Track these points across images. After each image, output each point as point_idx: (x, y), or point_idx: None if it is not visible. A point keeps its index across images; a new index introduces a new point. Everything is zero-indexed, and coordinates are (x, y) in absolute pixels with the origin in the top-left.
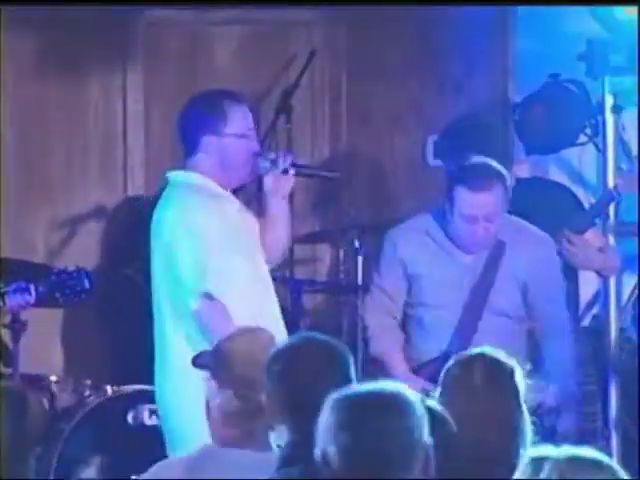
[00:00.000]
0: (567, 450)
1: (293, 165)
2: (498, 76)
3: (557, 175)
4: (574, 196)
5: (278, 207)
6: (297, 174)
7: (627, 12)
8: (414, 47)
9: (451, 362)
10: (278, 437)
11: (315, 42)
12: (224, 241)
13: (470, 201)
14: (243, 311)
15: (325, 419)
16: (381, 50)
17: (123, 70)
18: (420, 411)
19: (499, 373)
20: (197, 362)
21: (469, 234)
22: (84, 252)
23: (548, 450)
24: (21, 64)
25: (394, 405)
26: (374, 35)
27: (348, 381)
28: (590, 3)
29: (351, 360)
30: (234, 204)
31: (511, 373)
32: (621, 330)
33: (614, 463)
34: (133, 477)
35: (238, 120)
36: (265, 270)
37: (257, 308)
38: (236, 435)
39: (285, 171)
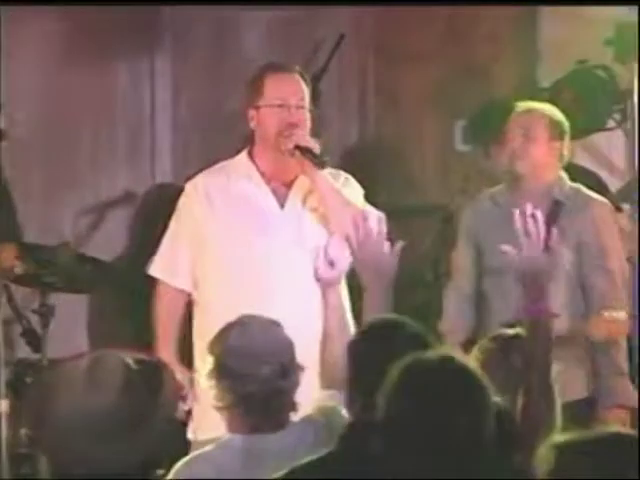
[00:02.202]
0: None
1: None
2: (526, 61)
3: (585, 160)
4: (602, 182)
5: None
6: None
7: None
8: (442, 31)
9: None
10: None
11: (343, 26)
12: (212, 226)
13: None
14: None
15: (394, 383)
16: (409, 34)
17: (151, 56)
18: (487, 381)
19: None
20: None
21: None
22: (111, 238)
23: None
24: (49, 51)
25: (465, 374)
26: (402, 19)
27: None
28: (590, 3)
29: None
30: (258, 188)
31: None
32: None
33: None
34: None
35: (273, 90)
36: (282, 256)
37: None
38: (248, 422)
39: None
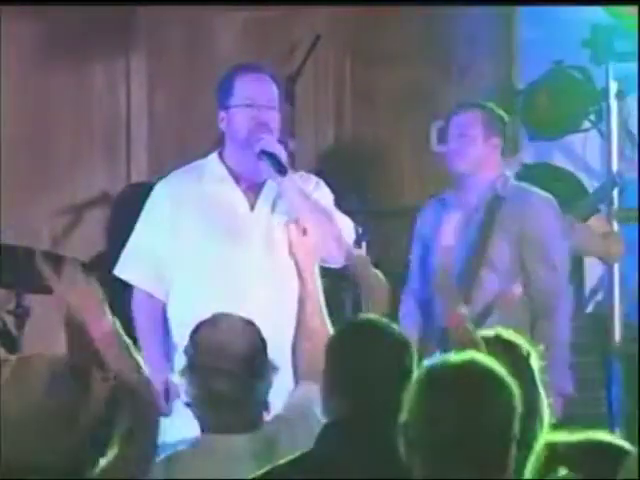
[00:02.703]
0: (581, 435)
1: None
2: (503, 62)
3: (561, 161)
4: (579, 182)
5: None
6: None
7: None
8: (419, 32)
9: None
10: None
11: (318, 27)
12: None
13: None
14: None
15: (416, 389)
16: (386, 35)
17: (126, 56)
18: (513, 385)
19: (515, 356)
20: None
21: None
22: (88, 239)
23: (562, 435)
24: (25, 51)
25: (489, 375)
26: (378, 20)
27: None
28: (590, 3)
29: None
30: (228, 189)
31: (527, 356)
32: (624, 316)
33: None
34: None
35: (242, 90)
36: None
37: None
38: (219, 421)
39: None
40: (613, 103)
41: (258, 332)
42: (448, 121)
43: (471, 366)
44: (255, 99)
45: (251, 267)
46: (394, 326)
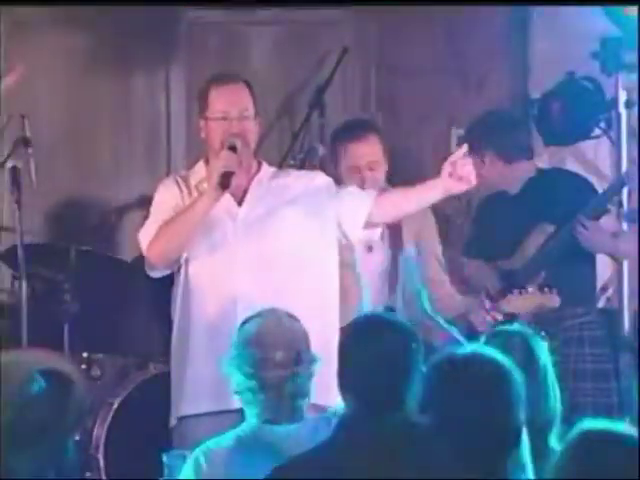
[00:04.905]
0: (600, 423)
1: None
2: (518, 74)
3: (574, 166)
4: (591, 185)
5: None
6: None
7: (627, 12)
8: (440, 46)
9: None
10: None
11: (346, 41)
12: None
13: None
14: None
15: (427, 379)
16: (408, 48)
17: (166, 68)
18: (518, 374)
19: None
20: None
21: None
22: (129, 238)
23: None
24: (73, 63)
25: (494, 367)
26: (402, 34)
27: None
28: (590, 3)
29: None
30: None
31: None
32: (634, 311)
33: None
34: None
35: (216, 102)
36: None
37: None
38: (267, 410)
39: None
40: (622, 111)
41: (299, 324)
42: None
43: (475, 359)
44: (228, 111)
45: (240, 267)
46: (400, 318)
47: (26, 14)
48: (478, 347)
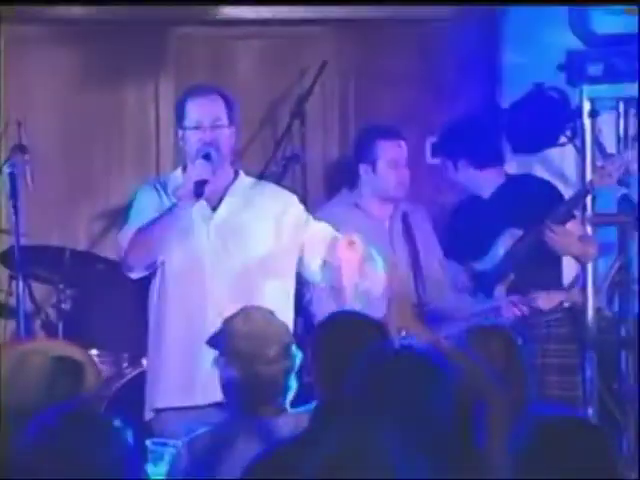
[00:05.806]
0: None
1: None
2: (489, 84)
3: (541, 172)
4: (557, 191)
5: None
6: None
7: (627, 12)
8: (415, 59)
9: None
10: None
11: (326, 54)
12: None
13: None
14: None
15: (358, 373)
16: (385, 61)
17: (156, 81)
18: (450, 368)
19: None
20: (209, 342)
21: None
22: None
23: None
24: (68, 76)
25: (422, 361)
26: (378, 48)
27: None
28: (591, 3)
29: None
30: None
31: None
32: (597, 310)
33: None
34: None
35: (190, 112)
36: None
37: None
38: (253, 404)
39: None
40: (586, 121)
41: (283, 320)
42: None
43: (404, 352)
44: (201, 121)
45: (211, 269)
46: (369, 317)
47: (24, 31)
48: (410, 340)
